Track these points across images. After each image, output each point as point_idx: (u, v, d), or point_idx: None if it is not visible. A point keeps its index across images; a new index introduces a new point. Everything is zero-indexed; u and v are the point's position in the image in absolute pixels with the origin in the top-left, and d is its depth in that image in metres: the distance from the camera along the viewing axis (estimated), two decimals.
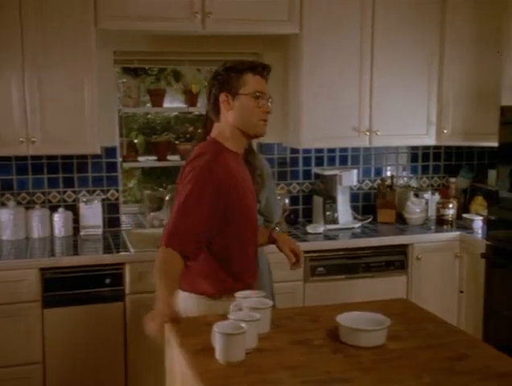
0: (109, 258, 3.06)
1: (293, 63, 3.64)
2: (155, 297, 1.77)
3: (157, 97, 3.88)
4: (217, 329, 1.42)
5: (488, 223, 3.31)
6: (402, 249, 3.52)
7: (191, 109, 4.10)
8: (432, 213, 3.89)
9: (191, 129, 4.38)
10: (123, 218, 3.80)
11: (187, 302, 1.99)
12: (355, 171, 3.78)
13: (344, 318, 1.59)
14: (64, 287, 2.98)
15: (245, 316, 1.52)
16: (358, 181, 4.03)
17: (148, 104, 3.94)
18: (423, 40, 3.65)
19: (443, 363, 1.45)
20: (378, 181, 4.04)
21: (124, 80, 3.89)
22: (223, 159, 1.97)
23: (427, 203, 3.90)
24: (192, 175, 1.92)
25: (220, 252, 1.99)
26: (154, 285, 1.80)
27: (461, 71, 3.66)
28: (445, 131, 3.74)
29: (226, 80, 2.01)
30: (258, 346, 1.52)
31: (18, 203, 3.44)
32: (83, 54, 3.13)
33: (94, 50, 3.16)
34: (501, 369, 1.43)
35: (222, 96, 2.01)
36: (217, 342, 1.43)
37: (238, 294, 1.69)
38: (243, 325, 1.44)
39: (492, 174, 3.83)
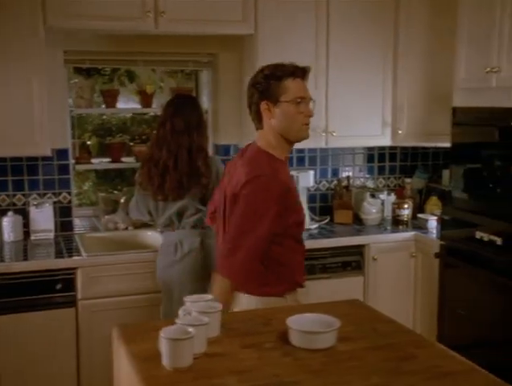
0: (60, 263, 3.00)
1: (249, 64, 3.64)
2: None
3: (110, 98, 3.83)
4: (164, 334, 1.40)
5: (441, 223, 3.37)
6: (359, 250, 3.55)
7: (145, 110, 4.06)
8: (388, 213, 3.94)
9: (147, 130, 4.33)
10: (77, 221, 3.73)
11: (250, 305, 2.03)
12: (312, 172, 3.80)
13: (295, 321, 1.59)
14: (14, 293, 2.90)
15: (193, 320, 1.51)
16: (315, 182, 4.06)
17: (103, 106, 3.88)
18: (378, 42, 3.70)
19: (391, 364, 1.46)
20: (335, 182, 4.07)
21: (76, 81, 3.82)
22: (278, 174, 2.02)
23: (383, 203, 3.95)
24: (252, 200, 1.97)
25: (279, 257, 2.07)
26: None
27: (415, 72, 3.72)
28: (400, 132, 3.79)
29: (266, 88, 2.01)
30: (207, 350, 1.51)
31: None
32: (31, 53, 3.06)
33: (43, 49, 3.09)
34: (448, 368, 1.45)
35: (263, 105, 2.03)
36: (164, 347, 1.41)
37: (187, 299, 1.67)
38: (190, 329, 1.43)
39: (446, 174, 3.90)
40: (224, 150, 3.89)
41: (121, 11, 3.16)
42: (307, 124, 2.09)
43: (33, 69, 3.08)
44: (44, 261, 3.00)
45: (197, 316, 1.55)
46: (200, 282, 2.86)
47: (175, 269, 2.92)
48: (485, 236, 2.95)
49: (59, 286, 2.97)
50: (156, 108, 4.23)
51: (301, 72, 2.07)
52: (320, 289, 3.39)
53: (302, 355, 1.51)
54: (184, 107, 2.93)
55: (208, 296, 1.71)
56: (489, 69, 2.89)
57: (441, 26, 3.54)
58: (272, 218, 1.95)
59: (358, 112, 3.73)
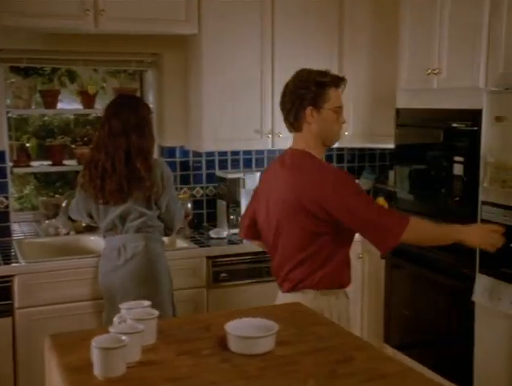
0: None
1: (193, 65, 3.62)
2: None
3: (50, 98, 3.74)
4: (95, 343, 1.37)
5: None
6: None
7: (87, 111, 3.98)
8: None
9: (90, 132, 4.24)
10: (16, 227, 3.63)
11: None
12: (258, 174, 3.79)
13: (233, 326, 1.58)
14: None
15: (126, 328, 1.48)
16: None
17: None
18: (323, 43, 3.73)
19: (328, 367, 1.47)
20: None
21: (13, 80, 3.71)
22: None
23: None
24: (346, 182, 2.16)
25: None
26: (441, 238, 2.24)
27: (361, 73, 3.77)
28: (346, 133, 3.82)
29: (315, 95, 2.18)
30: (142, 359, 1.48)
31: None
32: None
33: None
34: (385, 370, 1.46)
35: (308, 110, 2.18)
36: (95, 357, 1.38)
37: (122, 306, 1.64)
38: (123, 338, 1.40)
39: (392, 174, 3.97)
40: (169, 153, 3.86)
41: (59, 9, 3.08)
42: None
43: None
44: None
45: (132, 323, 1.53)
46: (144, 287, 2.81)
47: (118, 274, 2.86)
48: None
49: None
50: (99, 109, 4.16)
51: (341, 83, 2.25)
52: (268, 292, 3.38)
53: (239, 360, 1.50)
54: (123, 108, 2.86)
55: (146, 302, 1.68)
56: (430, 71, 2.95)
57: (385, 27, 3.59)
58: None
59: None
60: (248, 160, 4.05)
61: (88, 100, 3.87)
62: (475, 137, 2.67)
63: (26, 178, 4.43)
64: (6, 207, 3.50)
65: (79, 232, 3.64)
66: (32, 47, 3.46)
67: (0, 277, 2.89)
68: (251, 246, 3.40)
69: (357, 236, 3.60)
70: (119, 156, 2.80)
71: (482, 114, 2.60)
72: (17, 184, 4.44)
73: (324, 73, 2.23)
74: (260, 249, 3.36)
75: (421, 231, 2.16)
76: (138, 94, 4.04)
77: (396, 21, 3.31)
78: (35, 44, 3.43)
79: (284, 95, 2.30)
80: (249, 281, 3.41)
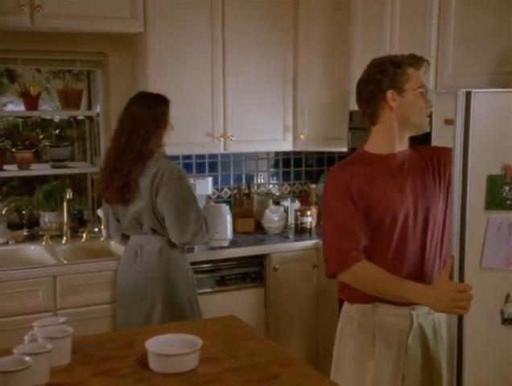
0: None
1: (139, 65, 3.57)
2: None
3: None
4: None
5: None
6: (259, 260, 3.54)
7: (29, 113, 3.90)
8: (292, 221, 3.95)
9: (33, 135, 4.16)
10: None
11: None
12: (210, 179, 3.76)
13: (154, 343, 1.53)
14: None
15: (32, 348, 1.42)
16: (217, 189, 4.03)
17: None
18: (278, 43, 3.71)
19: (252, 385, 1.43)
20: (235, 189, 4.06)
21: None
22: None
23: (286, 210, 3.96)
24: None
25: None
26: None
27: (316, 75, 3.76)
28: (302, 136, 3.82)
29: (391, 77, 1.97)
30: (52, 381, 1.43)
31: None
32: None
33: None
34: None
35: (389, 94, 1.98)
36: None
37: (36, 323, 1.58)
38: (27, 359, 1.34)
39: None
40: None
41: None
42: (430, 115, 2.07)
43: None
44: None
45: (41, 343, 1.47)
46: (158, 290, 2.82)
47: (132, 275, 2.88)
48: None
49: None
50: (44, 111, 4.09)
51: (421, 63, 2.04)
52: (219, 303, 3.36)
53: (158, 380, 1.45)
54: (134, 103, 2.91)
55: (61, 318, 1.62)
56: None
57: (340, 29, 3.59)
58: None
59: (259, 117, 3.73)
60: (201, 164, 4.00)
61: (30, 101, 3.78)
62: (426, 140, 2.66)
63: None
64: None
65: (19, 241, 3.55)
66: None
67: None
68: (201, 254, 3.38)
69: (308, 244, 3.67)
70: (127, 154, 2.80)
71: (432, 117, 2.59)
72: None
73: (400, 55, 2.05)
74: (210, 258, 3.37)
75: (364, 280, 1.92)
76: (84, 96, 3.97)
77: (348, 27, 3.32)
78: None
79: (359, 90, 2.10)
80: (198, 291, 3.35)
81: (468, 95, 1.84)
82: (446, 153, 1.97)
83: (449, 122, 2.40)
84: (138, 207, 2.82)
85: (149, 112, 2.83)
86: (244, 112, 3.67)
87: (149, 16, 3.38)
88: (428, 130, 2.13)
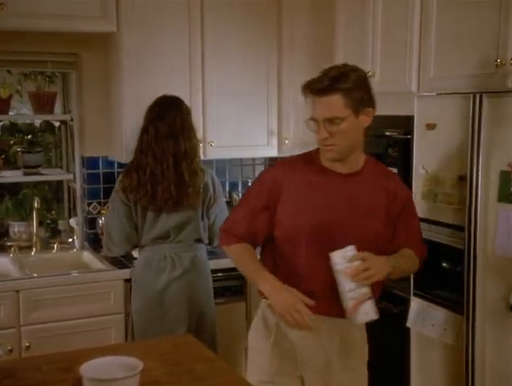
0: None
1: (113, 66, 3.53)
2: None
3: None
4: None
5: None
6: (240, 273, 3.47)
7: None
8: None
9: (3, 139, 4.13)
10: None
11: None
12: None
13: (92, 367, 1.48)
14: None
15: None
16: None
17: None
18: (261, 44, 3.65)
19: None
20: None
21: None
22: None
23: None
24: None
25: None
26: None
27: (301, 78, 3.69)
28: (286, 141, 3.77)
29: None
30: None
31: None
32: None
33: None
34: None
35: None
36: None
37: None
38: None
39: None
40: (91, 163, 3.75)
41: None
42: (326, 146, 2.06)
43: None
44: None
45: None
46: (202, 301, 3.02)
47: (175, 286, 2.95)
48: None
49: None
50: (14, 115, 4.05)
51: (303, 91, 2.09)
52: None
53: None
54: (168, 109, 2.97)
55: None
56: None
57: (323, 30, 3.55)
58: None
59: (241, 121, 3.68)
60: None
61: (1, 104, 3.75)
62: (407, 146, 2.62)
63: None
64: None
65: None
66: None
67: None
68: None
69: None
70: (167, 160, 2.88)
71: (414, 121, 2.56)
72: None
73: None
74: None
75: (235, 260, 2.20)
76: (59, 99, 3.94)
77: (333, 28, 3.28)
78: None
79: None
80: None
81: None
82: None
83: (430, 127, 2.36)
84: (183, 215, 2.95)
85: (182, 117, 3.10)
86: (225, 116, 3.62)
87: (122, 15, 3.33)
88: (331, 160, 2.06)
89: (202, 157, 3.63)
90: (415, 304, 2.58)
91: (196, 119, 3.55)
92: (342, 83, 1.91)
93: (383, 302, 2.75)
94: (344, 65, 2.03)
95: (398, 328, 2.71)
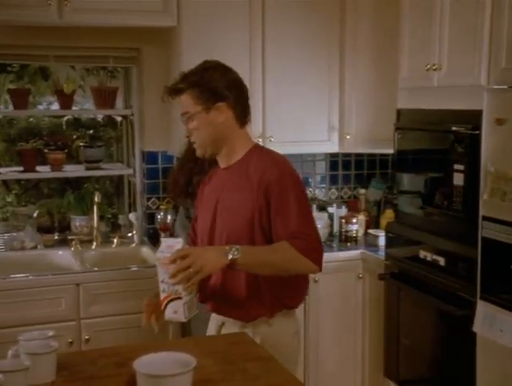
0: None
1: (173, 61, 3.56)
2: None
3: (19, 98, 3.71)
4: None
5: (386, 240, 3.30)
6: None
7: (63, 112, 3.96)
8: (337, 229, 3.86)
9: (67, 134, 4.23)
10: None
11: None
12: None
13: (145, 362, 1.49)
14: None
15: (11, 365, 1.40)
16: None
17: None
18: (322, 38, 3.62)
19: None
20: None
21: None
22: None
23: (331, 217, 3.87)
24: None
25: None
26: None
27: (365, 71, 3.65)
28: (348, 137, 3.72)
29: None
30: None
31: None
32: None
33: None
34: None
35: None
36: None
37: (21, 336, 1.57)
38: (0, 376, 1.32)
39: None
40: (151, 158, 3.80)
41: None
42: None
43: None
44: None
45: (22, 359, 1.45)
46: None
47: None
48: (429, 256, 2.87)
49: None
50: (77, 110, 4.14)
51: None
52: None
53: None
54: None
55: (49, 332, 1.60)
56: (429, 66, 2.82)
57: (388, 25, 3.48)
58: None
59: (301, 116, 3.65)
60: None
61: (64, 100, 3.84)
62: (475, 142, 2.54)
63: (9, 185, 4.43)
64: None
65: (48, 246, 3.61)
66: None
67: None
68: None
69: (352, 254, 3.57)
70: None
71: (482, 116, 2.47)
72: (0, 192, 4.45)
73: None
74: None
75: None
76: (121, 94, 4.01)
77: (396, 22, 3.20)
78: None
79: None
80: None
81: None
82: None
83: (500, 122, 2.27)
84: None
85: None
86: (285, 111, 3.59)
87: (183, 10, 3.36)
88: (201, 157, 2.18)
89: None
90: (482, 308, 2.50)
91: (256, 114, 3.55)
92: (188, 82, 2.08)
93: (448, 304, 2.70)
94: (204, 62, 2.17)
95: (462, 332, 2.63)
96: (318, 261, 2.03)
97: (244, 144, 2.15)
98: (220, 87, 2.05)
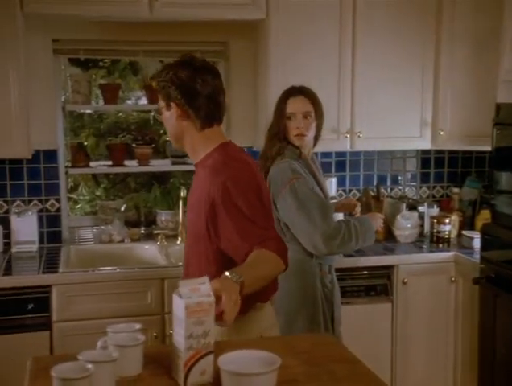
0: (31, 279, 3.00)
1: (261, 55, 3.57)
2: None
3: (110, 93, 3.82)
4: (55, 372, 1.35)
5: (482, 243, 3.18)
6: (386, 271, 3.40)
7: (150, 107, 4.05)
8: (428, 229, 3.77)
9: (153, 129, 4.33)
10: (82, 232, 3.76)
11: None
12: (333, 180, 3.69)
13: (229, 359, 1.50)
14: None
15: (97, 355, 1.45)
16: (344, 191, 3.95)
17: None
18: (417, 30, 3.55)
19: None
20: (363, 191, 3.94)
21: (71, 74, 3.85)
22: None
23: (422, 217, 3.78)
24: None
25: None
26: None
27: (462, 64, 3.54)
28: (442, 133, 3.62)
29: None
30: None
31: None
32: (8, 42, 3.08)
33: (21, 37, 3.13)
34: None
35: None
36: None
37: (109, 328, 1.62)
38: (89, 366, 1.37)
39: None
40: None
41: None
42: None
43: (9, 60, 3.10)
44: (13, 278, 3.01)
45: (110, 350, 1.50)
46: None
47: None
48: None
49: (30, 306, 2.96)
50: None
51: None
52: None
53: None
54: None
55: (136, 325, 1.64)
56: None
57: (488, 19, 3.37)
58: None
59: (392, 111, 3.58)
60: (327, 163, 3.93)
61: (152, 94, 3.92)
62: None
63: (98, 178, 4.60)
64: (58, 210, 3.62)
65: (134, 240, 3.71)
66: (88, 37, 3.56)
67: (38, 287, 2.99)
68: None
69: (444, 256, 3.47)
70: None
71: None
72: (89, 185, 4.64)
73: None
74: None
75: None
76: None
77: (497, 14, 3.09)
78: (91, 34, 3.54)
79: None
80: None
81: None
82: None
83: None
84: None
85: None
86: (374, 105, 3.54)
87: (272, 2, 3.36)
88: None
89: (349, 148, 3.61)
90: None
91: (344, 109, 3.54)
92: (157, 78, 2.11)
93: None
94: (181, 56, 2.14)
95: None
96: (286, 260, 1.98)
97: (204, 146, 2.11)
98: (172, 88, 2.06)
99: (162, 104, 2.12)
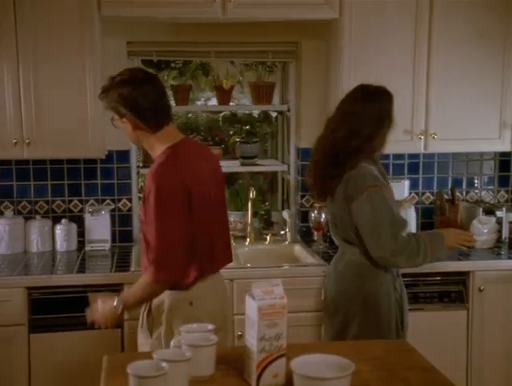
0: (104, 278, 3.09)
1: (333, 55, 3.57)
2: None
3: (181, 94, 3.90)
4: (130, 370, 1.40)
5: None
6: (461, 278, 3.34)
7: (221, 108, 4.11)
8: (507, 235, 3.67)
9: (223, 129, 4.39)
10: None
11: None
12: (406, 182, 3.65)
13: (301, 362, 1.51)
14: (54, 310, 3.03)
15: (171, 355, 1.48)
16: (417, 194, 3.90)
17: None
18: (497, 28, 3.47)
19: None
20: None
21: None
22: None
23: (500, 222, 3.69)
24: None
25: None
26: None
27: None
28: None
29: None
30: None
31: (18, 213, 3.57)
32: (85, 44, 3.19)
33: (98, 40, 3.23)
34: None
35: None
36: (130, 385, 1.40)
37: (183, 328, 1.65)
38: (163, 365, 1.41)
39: None
40: (306, 155, 3.82)
41: None
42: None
43: (87, 63, 3.21)
44: (87, 275, 3.12)
45: (184, 350, 1.53)
46: None
47: (331, 286, 2.89)
48: None
49: None
50: (235, 106, 4.27)
51: None
52: (409, 323, 3.23)
53: None
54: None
55: (209, 326, 1.68)
56: None
57: None
58: None
59: (469, 112, 3.52)
60: (399, 165, 3.89)
61: (223, 95, 3.98)
62: None
63: None
64: (129, 209, 3.72)
65: None
66: (160, 39, 3.64)
67: (111, 285, 3.03)
68: None
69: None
70: None
71: None
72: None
73: None
74: (402, 271, 3.23)
75: None
76: (276, 88, 4.08)
77: None
78: (164, 36, 3.62)
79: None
80: None
81: None
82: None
83: None
84: (336, 211, 2.79)
85: (373, 109, 2.76)
86: (450, 106, 3.49)
87: (345, 1, 3.36)
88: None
89: (422, 150, 3.56)
90: None
91: (418, 109, 3.50)
92: (106, 99, 2.39)
93: None
94: (119, 73, 2.41)
95: None
96: (157, 272, 2.28)
97: (160, 144, 2.38)
98: (121, 107, 2.33)
99: (116, 117, 2.39)
